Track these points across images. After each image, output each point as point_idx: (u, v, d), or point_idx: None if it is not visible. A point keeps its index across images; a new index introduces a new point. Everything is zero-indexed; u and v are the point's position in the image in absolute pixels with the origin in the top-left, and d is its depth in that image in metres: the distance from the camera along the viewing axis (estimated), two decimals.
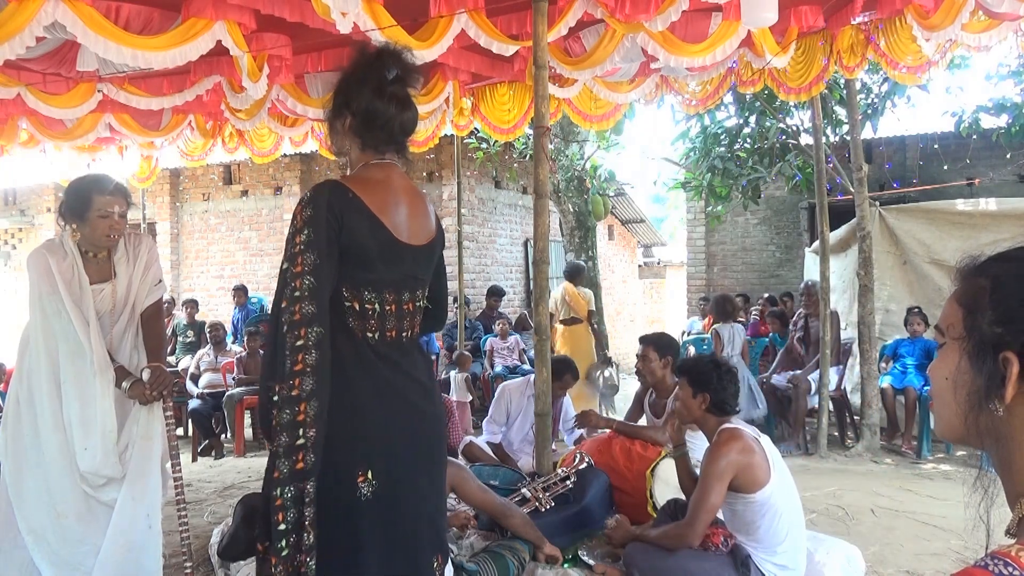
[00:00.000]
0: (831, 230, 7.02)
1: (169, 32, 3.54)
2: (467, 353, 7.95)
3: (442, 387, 7.44)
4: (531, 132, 5.89)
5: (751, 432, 2.97)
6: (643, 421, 4.60)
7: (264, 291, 10.81)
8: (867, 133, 8.52)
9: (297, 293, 1.83)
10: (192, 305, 9.32)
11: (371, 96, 2.01)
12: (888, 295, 7.64)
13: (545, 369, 3.76)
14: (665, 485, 3.76)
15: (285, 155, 8.98)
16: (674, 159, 10.91)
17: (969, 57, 7.94)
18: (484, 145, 9.50)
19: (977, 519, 0.92)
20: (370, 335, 1.98)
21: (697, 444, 3.65)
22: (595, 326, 7.95)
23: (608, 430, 4.32)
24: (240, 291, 9.85)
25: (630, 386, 8.82)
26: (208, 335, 8.16)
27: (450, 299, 9.44)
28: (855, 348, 7.03)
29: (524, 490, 3.69)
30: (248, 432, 7.42)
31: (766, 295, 9.45)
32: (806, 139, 8.09)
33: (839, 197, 7.96)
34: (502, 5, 4.10)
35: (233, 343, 8.73)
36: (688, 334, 9.85)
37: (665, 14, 3.79)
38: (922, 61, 4.91)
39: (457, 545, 3.36)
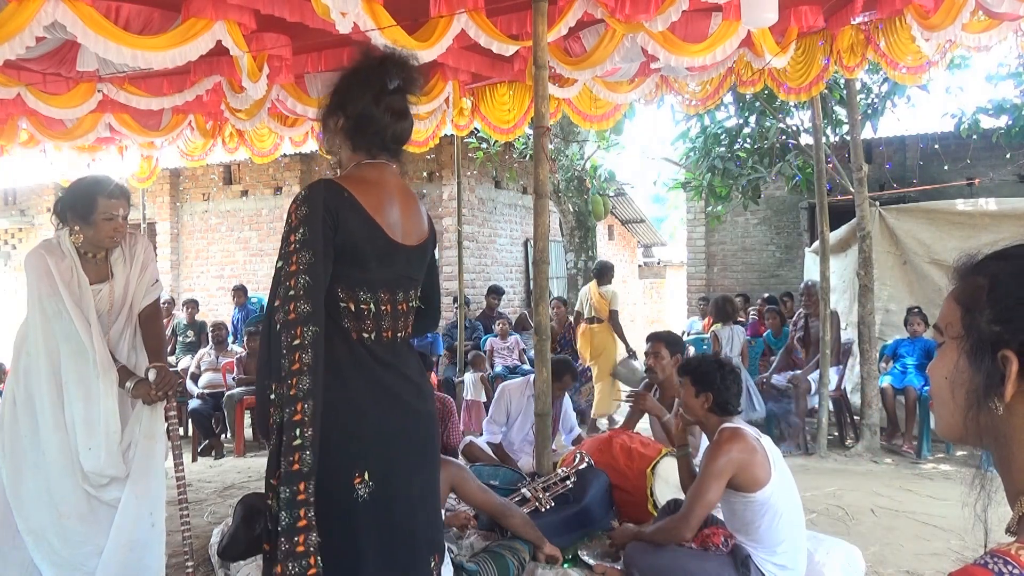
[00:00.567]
0: (831, 230, 7.02)
1: (169, 32, 3.54)
2: (482, 353, 7.99)
3: (444, 387, 7.44)
4: (531, 132, 5.89)
5: (752, 432, 2.97)
6: (643, 420, 4.60)
7: (264, 291, 10.80)
8: (867, 133, 8.52)
9: (292, 292, 1.82)
10: (192, 305, 9.33)
11: (368, 102, 2.01)
12: (888, 295, 7.64)
13: (545, 369, 3.76)
14: (665, 484, 3.76)
15: (285, 155, 8.99)
16: (674, 159, 10.91)
17: (969, 57, 7.95)
18: (484, 145, 9.50)
19: (977, 518, 0.92)
20: (366, 335, 1.98)
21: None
22: (622, 337, 7.98)
23: (657, 417, 4.25)
24: (240, 291, 9.85)
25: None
26: (210, 335, 8.16)
27: (450, 299, 9.40)
28: (855, 348, 7.03)
29: (524, 490, 3.69)
30: (248, 432, 7.41)
31: (766, 295, 9.45)
32: (806, 139, 8.09)
33: (839, 197, 7.96)
34: (502, 5, 4.10)
35: (233, 343, 8.73)
36: (688, 334, 9.85)
37: (665, 14, 3.79)
38: (922, 61, 4.91)
39: (457, 545, 3.36)
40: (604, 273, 8.01)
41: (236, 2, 3.57)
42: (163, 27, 3.62)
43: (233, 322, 9.75)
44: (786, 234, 11.28)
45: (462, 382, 7.57)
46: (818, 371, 6.56)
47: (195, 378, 7.72)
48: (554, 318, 7.70)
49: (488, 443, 5.00)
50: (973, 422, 0.90)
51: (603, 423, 7.57)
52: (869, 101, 8.43)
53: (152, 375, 2.93)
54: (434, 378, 5.20)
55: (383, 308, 2.00)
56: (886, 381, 6.67)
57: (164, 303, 6.80)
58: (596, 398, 7.68)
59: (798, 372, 6.82)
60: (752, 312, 9.09)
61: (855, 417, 6.97)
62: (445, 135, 6.65)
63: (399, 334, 2.06)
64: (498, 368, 8.09)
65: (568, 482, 3.76)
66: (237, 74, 4.22)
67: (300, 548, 1.77)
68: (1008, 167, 9.25)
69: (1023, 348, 0.85)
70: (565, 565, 3.31)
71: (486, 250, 10.94)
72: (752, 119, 8.83)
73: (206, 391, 7.45)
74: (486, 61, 5.00)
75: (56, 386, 2.87)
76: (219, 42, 3.61)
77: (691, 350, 7.75)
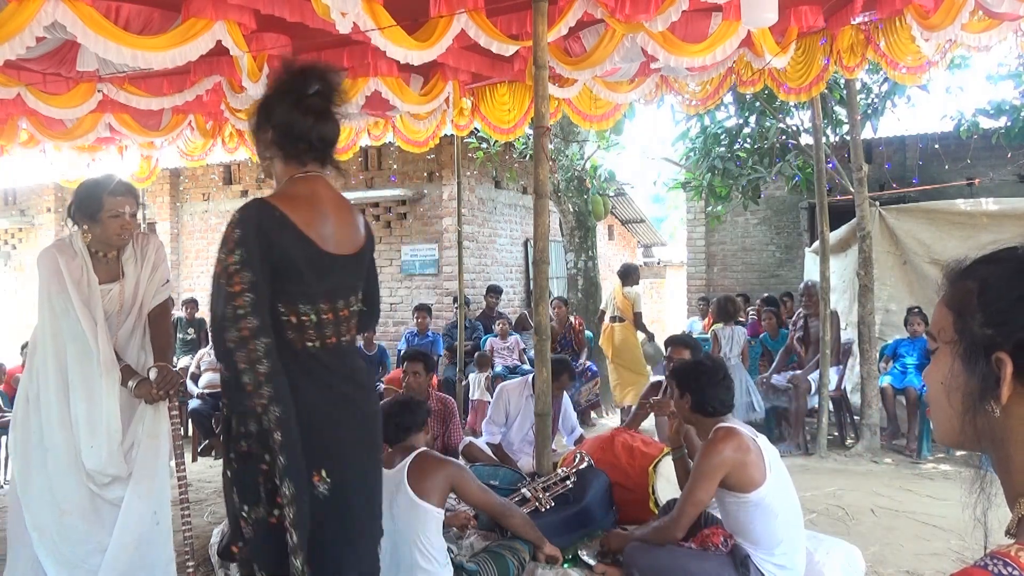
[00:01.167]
0: (831, 230, 7.01)
1: (169, 32, 3.54)
2: (487, 354, 8.06)
3: (444, 387, 7.44)
4: (531, 132, 5.89)
5: (748, 432, 2.97)
6: (646, 421, 4.61)
7: None
8: (867, 133, 8.51)
9: (241, 311, 1.92)
10: (192, 305, 9.34)
11: (289, 109, 2.10)
12: (888, 295, 7.64)
13: (545, 369, 3.76)
14: (667, 482, 3.77)
15: None
16: (674, 159, 10.90)
17: (969, 57, 7.94)
18: (484, 145, 9.49)
19: (976, 520, 0.92)
20: (310, 344, 2.09)
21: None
22: (642, 327, 8.20)
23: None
24: None
25: None
26: (210, 335, 8.15)
27: (450, 299, 9.43)
28: (855, 348, 7.03)
29: (524, 490, 3.69)
30: None
31: (765, 295, 9.45)
32: (806, 139, 8.08)
33: (839, 197, 7.96)
34: (502, 5, 4.10)
35: None
36: (688, 334, 9.85)
37: (665, 14, 3.79)
38: (922, 61, 4.91)
39: (457, 545, 3.36)
40: (629, 275, 8.29)
41: (236, 2, 3.57)
42: (163, 27, 3.62)
43: None
44: (786, 234, 11.27)
45: (465, 383, 7.59)
46: (818, 371, 6.56)
47: (195, 378, 7.72)
48: (554, 318, 7.72)
49: (488, 444, 5.01)
50: (970, 426, 0.90)
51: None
52: (869, 101, 8.43)
53: (154, 374, 2.94)
54: (434, 379, 5.19)
55: (325, 317, 2.11)
56: (886, 381, 6.67)
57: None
58: (621, 390, 7.88)
59: (798, 372, 6.82)
60: (752, 312, 9.08)
61: (855, 417, 6.97)
62: (445, 135, 6.64)
63: (343, 339, 2.18)
64: (498, 368, 8.09)
65: (568, 482, 3.76)
66: (237, 74, 4.23)
67: (290, 544, 1.96)
68: (1008, 167, 9.24)
69: (1016, 350, 0.85)
70: (565, 565, 3.31)
71: (486, 250, 10.94)
72: (752, 119, 8.82)
73: (206, 391, 7.45)
74: (486, 61, 5.00)
75: (63, 384, 2.91)
76: (219, 42, 3.61)
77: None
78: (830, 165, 7.44)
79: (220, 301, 1.96)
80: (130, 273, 3.05)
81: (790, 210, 11.21)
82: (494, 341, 8.47)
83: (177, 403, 3.15)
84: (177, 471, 3.10)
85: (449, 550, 3.08)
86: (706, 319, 9.60)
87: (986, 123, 8.72)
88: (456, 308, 8.17)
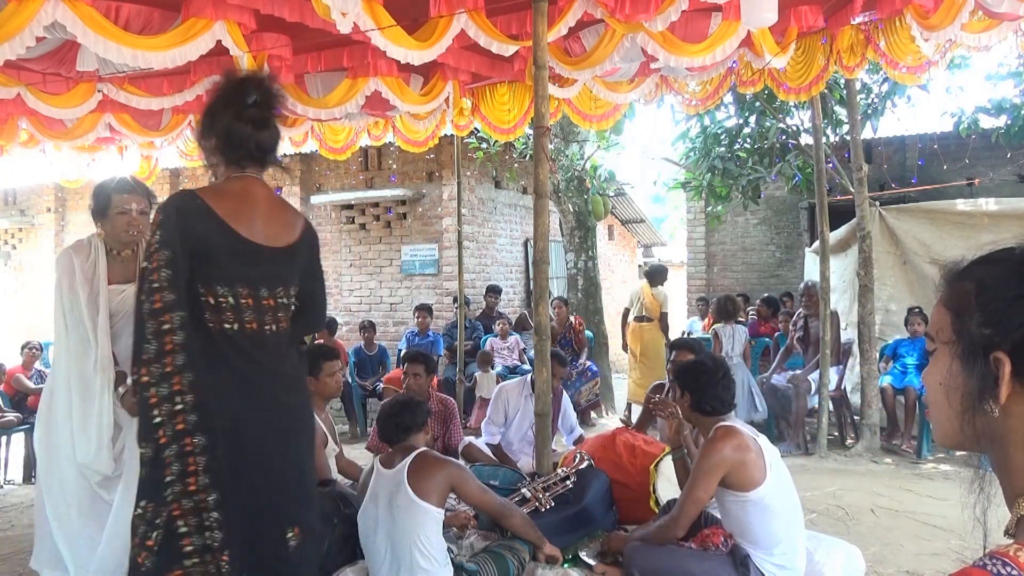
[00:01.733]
0: (831, 230, 7.01)
1: (169, 32, 3.54)
2: (489, 352, 8.13)
3: (444, 387, 7.44)
4: (531, 132, 5.89)
5: (749, 431, 2.97)
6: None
7: None
8: (867, 133, 8.51)
9: (156, 284, 2.05)
10: None
11: (230, 119, 2.25)
12: (888, 295, 7.64)
13: (545, 369, 3.76)
14: (668, 481, 3.77)
15: (285, 155, 8.97)
16: (674, 159, 10.90)
17: (969, 57, 7.94)
18: (484, 145, 9.48)
19: (976, 520, 0.92)
20: (227, 326, 2.19)
21: None
22: (665, 328, 8.31)
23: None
24: None
25: (621, 387, 8.85)
26: None
27: (450, 299, 9.42)
28: (855, 348, 7.02)
29: (524, 490, 3.69)
30: None
31: (765, 295, 9.45)
32: (806, 139, 8.08)
33: (839, 197, 7.96)
34: (502, 5, 4.10)
35: None
36: (688, 335, 9.85)
37: (665, 14, 3.79)
38: (922, 61, 4.91)
39: (457, 545, 3.36)
40: (657, 275, 8.42)
41: (236, 2, 3.57)
42: (163, 27, 3.63)
43: None
44: (786, 234, 11.27)
45: (472, 382, 7.61)
46: (818, 371, 6.56)
47: None
48: (554, 318, 7.72)
49: (487, 444, 5.01)
50: (969, 426, 0.90)
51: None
52: (869, 101, 8.43)
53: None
54: (434, 379, 5.19)
55: (243, 301, 2.21)
56: (886, 381, 6.67)
57: None
58: (643, 390, 7.89)
59: (798, 372, 6.82)
60: (751, 312, 9.09)
61: (855, 417, 6.97)
62: (445, 135, 6.64)
63: (267, 327, 2.26)
64: (498, 368, 8.10)
65: (568, 482, 3.77)
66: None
67: (193, 487, 2.08)
68: (1008, 167, 9.24)
69: (1015, 349, 0.85)
70: (565, 565, 3.31)
71: (486, 250, 10.93)
72: (752, 119, 8.82)
73: None
74: (486, 61, 5.00)
75: (69, 380, 3.01)
76: (219, 42, 3.61)
77: None
78: (830, 165, 7.44)
79: (139, 278, 2.11)
80: None
81: (790, 210, 11.21)
82: (494, 341, 8.47)
83: None
84: None
85: (449, 550, 3.08)
86: (706, 319, 9.60)
87: (986, 122, 8.72)
88: (456, 308, 8.17)
